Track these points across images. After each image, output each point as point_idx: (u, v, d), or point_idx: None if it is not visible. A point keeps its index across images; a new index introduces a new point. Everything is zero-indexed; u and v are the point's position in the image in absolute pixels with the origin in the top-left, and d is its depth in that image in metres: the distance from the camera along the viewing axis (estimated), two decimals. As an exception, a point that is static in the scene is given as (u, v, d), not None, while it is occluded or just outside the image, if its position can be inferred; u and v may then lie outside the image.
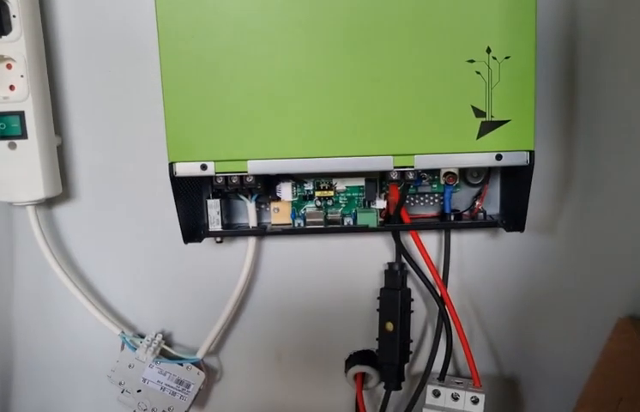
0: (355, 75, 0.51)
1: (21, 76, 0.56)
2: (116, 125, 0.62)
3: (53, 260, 0.61)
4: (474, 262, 0.65)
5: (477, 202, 0.61)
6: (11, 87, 0.57)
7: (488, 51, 0.51)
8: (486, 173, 0.60)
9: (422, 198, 0.62)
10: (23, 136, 0.57)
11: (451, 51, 0.51)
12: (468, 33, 0.51)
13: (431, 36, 0.51)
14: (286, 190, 0.59)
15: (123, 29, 0.60)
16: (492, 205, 0.62)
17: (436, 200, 0.62)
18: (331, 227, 0.60)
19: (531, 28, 0.51)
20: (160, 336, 0.66)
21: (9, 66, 0.56)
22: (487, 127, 0.52)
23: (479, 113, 0.52)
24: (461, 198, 0.62)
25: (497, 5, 0.50)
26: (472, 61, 0.51)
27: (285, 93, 0.51)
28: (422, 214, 0.62)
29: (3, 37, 0.55)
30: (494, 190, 0.62)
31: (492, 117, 0.52)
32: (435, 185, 0.61)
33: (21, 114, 0.56)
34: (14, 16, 0.55)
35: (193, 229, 0.58)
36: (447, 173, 0.58)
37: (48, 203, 0.63)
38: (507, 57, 0.51)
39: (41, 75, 0.58)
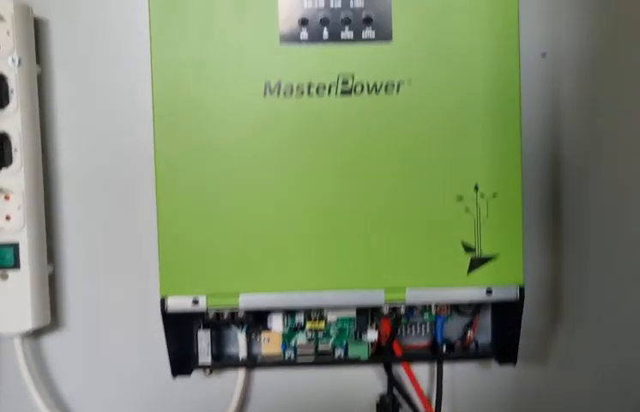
0: (347, 209, 0.52)
1: (18, 208, 0.57)
2: (108, 254, 0.62)
3: (37, 394, 0.60)
4: (467, 393, 0.64)
5: (469, 333, 0.60)
6: (7, 218, 0.57)
7: (476, 188, 0.52)
8: (477, 303, 0.60)
9: (414, 328, 0.62)
10: (16, 266, 0.57)
11: (441, 189, 0.52)
12: (457, 171, 0.52)
13: (421, 174, 0.52)
14: (277, 322, 0.58)
15: (121, 163, 0.61)
16: (484, 333, 0.62)
17: (427, 329, 0.62)
18: (322, 359, 0.59)
19: (516, 167, 0.53)
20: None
21: (7, 197, 0.57)
22: (477, 262, 0.53)
23: (468, 249, 0.53)
24: (453, 327, 0.62)
25: (483, 145, 0.52)
26: (461, 198, 0.52)
27: (277, 227, 0.52)
28: (414, 343, 0.62)
29: (4, 169, 0.56)
30: (486, 319, 0.62)
31: (481, 252, 0.53)
32: (426, 315, 0.61)
33: (15, 245, 0.57)
34: (15, 150, 0.56)
35: (182, 361, 0.57)
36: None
37: (35, 332, 0.62)
38: (494, 195, 0.53)
39: (37, 206, 0.58)
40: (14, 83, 0.56)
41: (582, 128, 0.63)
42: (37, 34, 0.60)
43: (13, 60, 0.56)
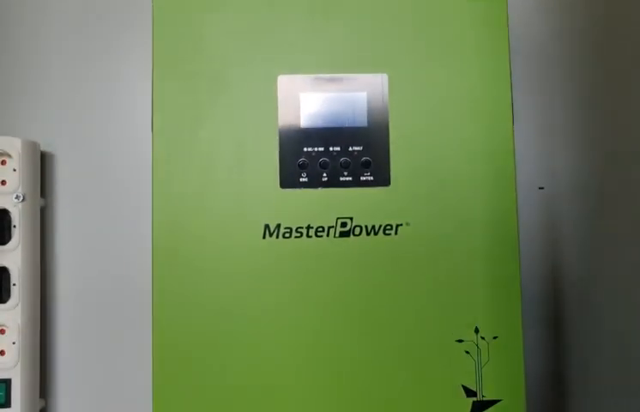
0: (344, 351, 0.51)
1: (13, 343, 0.56)
2: (102, 392, 0.61)
3: None
4: None
5: None
6: (1, 352, 0.56)
7: (476, 331, 0.52)
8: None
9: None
10: (6, 404, 0.56)
11: (440, 331, 0.52)
12: (456, 313, 0.52)
13: (420, 315, 0.52)
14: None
15: (119, 300, 0.61)
16: None
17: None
18: None
19: (516, 309, 0.52)
20: None
21: (2, 331, 0.57)
22: (479, 407, 0.51)
23: (470, 393, 0.51)
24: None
25: (483, 286, 0.52)
26: (461, 341, 0.52)
27: (275, 373, 0.51)
28: None
29: (1, 305, 0.56)
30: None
31: (483, 396, 0.51)
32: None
33: (7, 382, 0.56)
34: (14, 284, 0.56)
35: None
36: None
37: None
38: (495, 337, 0.52)
39: (33, 342, 0.58)
40: (17, 219, 0.57)
41: (581, 260, 0.63)
42: (43, 168, 0.61)
43: (17, 197, 0.57)
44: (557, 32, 0.66)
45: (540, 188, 0.63)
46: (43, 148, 0.61)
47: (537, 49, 0.65)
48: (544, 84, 0.65)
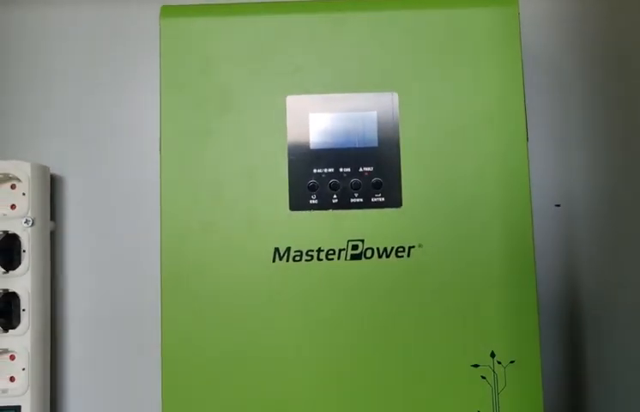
0: (357, 376, 0.50)
1: (23, 369, 0.56)
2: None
3: None
4: None
5: None
6: (11, 379, 0.56)
7: (492, 355, 0.50)
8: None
9: None
10: (17, 432, 0.55)
11: (455, 356, 0.50)
12: (472, 337, 0.51)
13: (434, 340, 0.51)
14: None
15: (129, 329, 0.61)
16: None
17: None
18: None
19: (534, 332, 0.51)
20: None
21: (12, 357, 0.56)
22: (496, 435, 0.50)
23: (486, 420, 0.50)
24: None
25: (499, 309, 0.51)
26: (476, 366, 0.50)
27: (288, 396, 0.50)
28: None
29: (10, 330, 0.56)
30: None
31: (500, 424, 0.50)
32: None
33: (17, 409, 0.55)
34: (23, 310, 0.56)
35: None
36: None
37: None
38: (512, 362, 0.50)
39: (43, 369, 0.57)
40: (26, 244, 0.56)
41: (600, 280, 0.61)
42: (53, 190, 0.61)
43: (27, 221, 0.56)
44: (571, 42, 0.65)
45: (556, 205, 0.62)
46: (53, 170, 0.61)
47: (550, 60, 0.64)
48: (558, 97, 0.64)
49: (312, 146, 0.52)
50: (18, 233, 0.57)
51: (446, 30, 0.53)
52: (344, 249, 0.51)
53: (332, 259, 0.51)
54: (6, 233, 0.57)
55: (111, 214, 0.62)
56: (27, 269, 0.56)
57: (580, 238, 0.62)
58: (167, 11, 0.53)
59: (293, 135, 0.52)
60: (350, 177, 0.52)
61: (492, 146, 0.52)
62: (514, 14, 0.53)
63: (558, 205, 0.63)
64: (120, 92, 0.63)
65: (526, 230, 0.51)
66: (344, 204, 0.51)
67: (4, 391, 0.56)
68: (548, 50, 0.65)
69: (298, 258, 0.51)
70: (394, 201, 0.51)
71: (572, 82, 0.64)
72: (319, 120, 0.52)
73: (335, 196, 0.51)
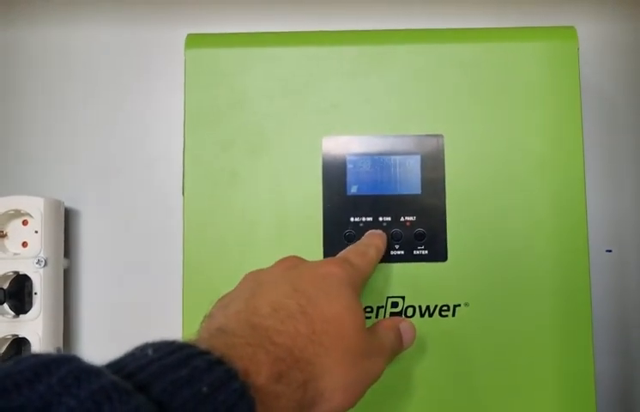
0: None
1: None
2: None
3: None
4: None
5: None
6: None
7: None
8: None
9: None
10: None
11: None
12: (524, 401, 0.46)
13: (479, 407, 0.46)
14: None
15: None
16: None
17: None
18: None
19: (591, 405, 0.46)
20: None
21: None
22: None
23: None
24: None
25: (552, 373, 0.46)
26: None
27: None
28: None
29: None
30: None
31: None
32: None
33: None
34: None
35: None
36: None
37: None
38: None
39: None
40: (38, 286, 0.53)
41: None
42: (67, 225, 0.57)
43: (39, 262, 0.53)
44: (625, 74, 0.60)
45: (607, 251, 0.57)
46: (67, 204, 0.57)
47: (603, 97, 0.59)
48: (610, 134, 0.59)
49: (349, 192, 0.47)
50: (29, 274, 0.53)
51: (498, 66, 0.48)
52: (382, 306, 0.46)
53: (370, 317, 0.46)
54: (17, 273, 0.53)
55: (126, 248, 0.58)
56: (39, 314, 0.52)
57: (632, 286, 0.57)
58: (193, 41, 0.49)
59: (329, 179, 0.47)
60: (390, 226, 0.47)
61: (547, 194, 0.47)
62: (573, 49, 0.49)
63: (610, 251, 0.58)
64: (139, 125, 0.59)
65: (583, 289, 0.47)
66: (383, 257, 0.46)
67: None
68: (599, 80, 0.60)
69: (332, 316, 0.46)
70: (438, 254, 0.47)
71: (626, 118, 0.59)
72: (357, 163, 0.47)
73: (373, 248, 0.47)
